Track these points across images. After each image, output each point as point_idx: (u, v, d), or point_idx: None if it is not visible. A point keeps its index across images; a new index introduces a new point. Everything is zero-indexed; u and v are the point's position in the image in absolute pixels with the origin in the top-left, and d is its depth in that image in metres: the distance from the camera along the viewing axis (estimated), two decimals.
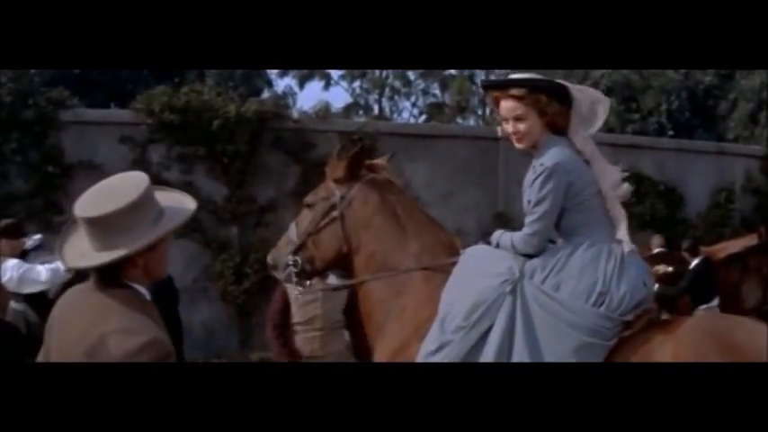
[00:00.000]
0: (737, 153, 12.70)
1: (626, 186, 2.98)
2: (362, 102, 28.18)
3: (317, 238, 3.34)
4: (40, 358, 2.08)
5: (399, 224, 3.26)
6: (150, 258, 1.99)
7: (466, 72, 24.69)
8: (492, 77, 23.06)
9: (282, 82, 43.99)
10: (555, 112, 2.91)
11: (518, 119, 2.91)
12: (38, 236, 6.24)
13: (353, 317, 3.87)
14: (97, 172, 8.64)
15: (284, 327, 4.49)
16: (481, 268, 2.94)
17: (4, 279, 5.30)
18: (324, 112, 10.86)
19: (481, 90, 24.71)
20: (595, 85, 14.58)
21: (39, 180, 9.18)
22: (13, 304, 5.32)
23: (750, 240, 7.74)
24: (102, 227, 1.92)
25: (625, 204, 3.00)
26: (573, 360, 2.68)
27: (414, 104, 28.28)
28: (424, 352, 2.88)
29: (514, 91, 2.91)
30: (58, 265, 5.32)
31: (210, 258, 9.70)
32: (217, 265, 9.68)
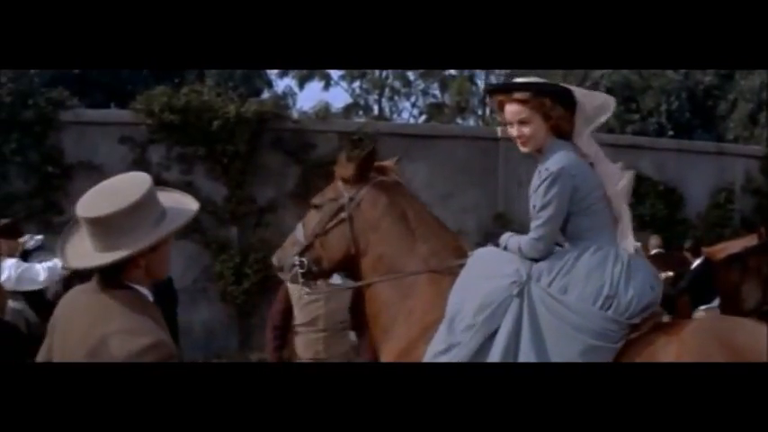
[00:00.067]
0: (737, 153, 12.70)
1: (628, 175, 2.99)
2: (362, 102, 28.16)
3: (324, 240, 3.34)
4: (40, 357, 2.08)
5: (408, 227, 3.26)
6: (152, 259, 1.99)
7: (466, 72, 24.70)
8: (492, 78, 23.15)
9: (282, 82, 44.08)
10: (559, 116, 2.91)
11: (522, 122, 2.92)
12: (38, 236, 6.26)
13: (359, 319, 3.88)
14: (97, 172, 8.66)
15: (285, 328, 4.49)
16: (489, 270, 2.95)
17: (3, 278, 5.31)
18: (324, 112, 10.87)
19: (481, 90, 24.83)
20: (595, 85, 14.60)
21: (39, 180, 9.18)
22: (11, 303, 5.33)
23: (750, 241, 7.73)
24: (104, 227, 1.92)
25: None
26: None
27: (414, 105, 28.29)
28: (432, 353, 2.88)
29: (519, 95, 2.91)
30: (56, 263, 5.34)
31: (210, 259, 9.70)
32: (217, 266, 9.69)
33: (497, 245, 3.06)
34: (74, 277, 4.59)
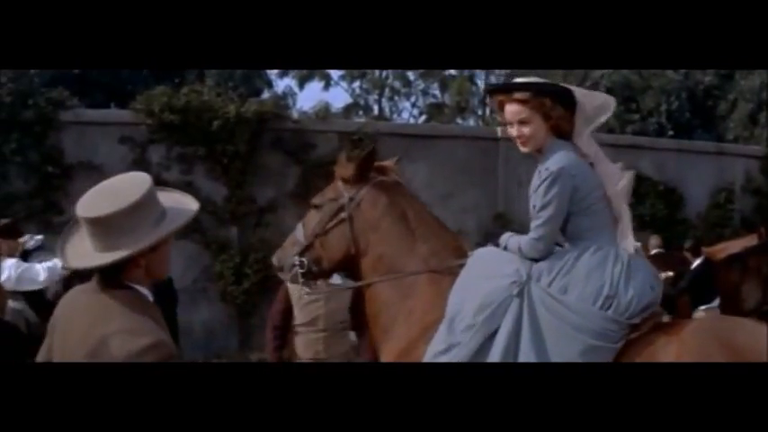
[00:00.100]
0: (737, 153, 12.71)
1: (628, 175, 2.99)
2: (362, 102, 28.15)
3: (324, 240, 3.34)
4: (40, 357, 2.08)
5: (408, 227, 3.26)
6: (152, 259, 1.99)
7: (466, 72, 24.68)
8: (492, 78, 23.15)
9: (282, 82, 44.07)
10: (559, 116, 2.91)
11: (522, 122, 2.92)
12: (39, 236, 6.27)
13: (359, 319, 3.88)
14: (97, 172, 8.66)
15: (284, 328, 4.49)
16: (489, 270, 2.95)
17: (3, 278, 5.32)
18: (324, 112, 10.88)
19: (481, 90, 24.83)
20: (595, 85, 14.60)
21: (38, 180, 9.19)
22: (11, 303, 5.34)
23: (750, 241, 7.72)
24: (104, 227, 1.92)
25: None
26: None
27: (413, 105, 28.28)
28: (432, 353, 2.89)
29: (519, 95, 2.92)
30: (56, 262, 5.35)
31: (210, 259, 9.70)
32: (216, 266, 9.69)
33: (497, 245, 3.06)
34: (74, 277, 4.60)
